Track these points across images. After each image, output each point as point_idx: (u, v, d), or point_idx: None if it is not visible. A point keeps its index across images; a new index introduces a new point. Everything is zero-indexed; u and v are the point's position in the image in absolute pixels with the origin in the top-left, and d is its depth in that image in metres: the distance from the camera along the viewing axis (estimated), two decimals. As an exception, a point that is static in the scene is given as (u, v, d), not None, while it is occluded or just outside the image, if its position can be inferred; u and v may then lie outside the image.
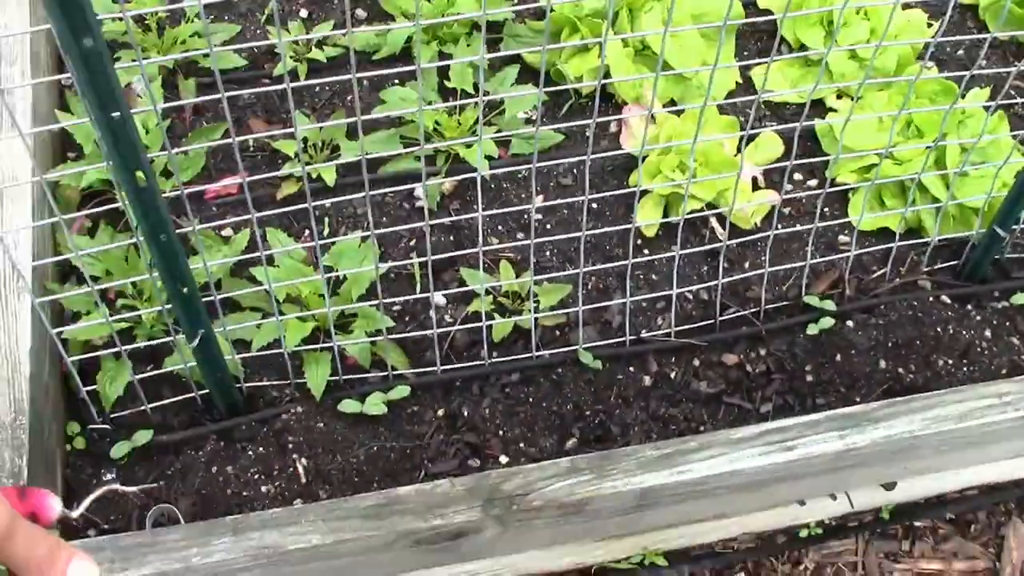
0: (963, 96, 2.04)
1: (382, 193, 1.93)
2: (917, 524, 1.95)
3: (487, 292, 1.84)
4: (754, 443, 1.64)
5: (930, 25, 2.20)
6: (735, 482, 1.64)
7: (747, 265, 1.92)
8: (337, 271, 1.81)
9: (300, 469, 1.69)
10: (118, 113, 1.21)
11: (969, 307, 1.92)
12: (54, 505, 1.00)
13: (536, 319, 1.81)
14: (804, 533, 1.92)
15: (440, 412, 1.77)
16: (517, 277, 1.86)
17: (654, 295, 1.86)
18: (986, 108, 2.01)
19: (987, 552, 1.94)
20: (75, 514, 1.03)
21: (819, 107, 2.11)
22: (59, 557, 0.86)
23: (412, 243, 1.92)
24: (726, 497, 1.69)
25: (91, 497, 1.11)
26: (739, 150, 1.96)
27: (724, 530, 1.90)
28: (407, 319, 1.85)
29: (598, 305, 1.85)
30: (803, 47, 2.14)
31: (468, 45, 2.02)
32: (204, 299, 1.52)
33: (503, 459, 1.75)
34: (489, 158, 1.96)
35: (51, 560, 0.85)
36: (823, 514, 1.91)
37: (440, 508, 1.55)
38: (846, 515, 1.94)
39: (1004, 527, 1.96)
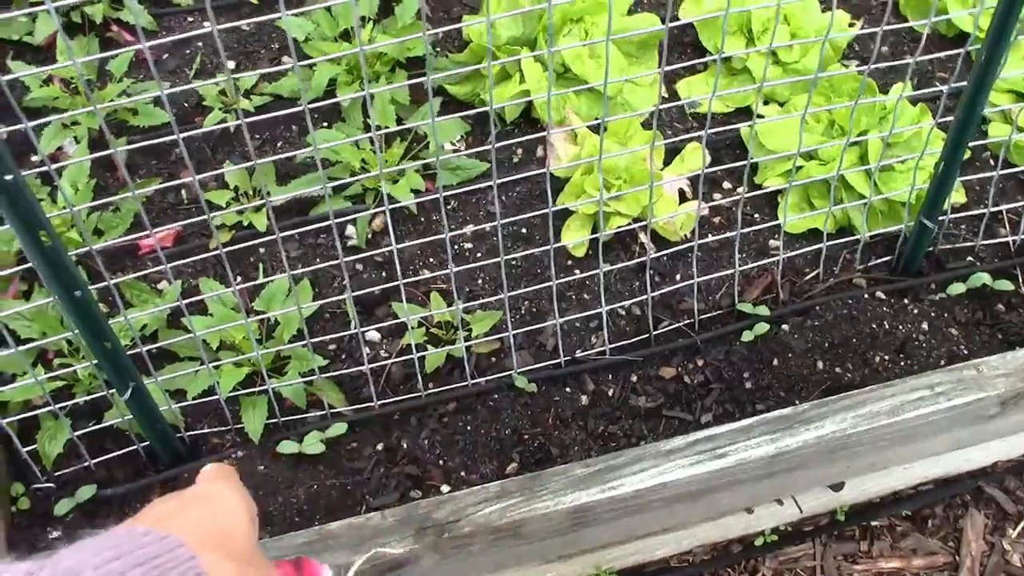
0: (887, 91, 2.06)
1: (315, 233, 1.96)
2: (874, 523, 1.94)
3: (420, 324, 1.85)
4: (685, 453, 1.64)
5: (852, 24, 2.21)
6: (669, 494, 1.64)
7: (678, 277, 1.92)
8: (268, 315, 1.82)
9: (240, 514, 1.70)
10: (11, 176, 1.23)
11: (906, 301, 1.91)
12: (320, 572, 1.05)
13: (470, 347, 1.82)
14: (759, 541, 1.92)
15: (379, 447, 1.78)
16: (450, 307, 1.87)
17: (586, 314, 1.87)
18: (913, 102, 2.02)
19: (946, 546, 1.92)
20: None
21: (746, 115, 2.12)
22: None
23: (345, 281, 1.93)
24: (664, 510, 1.69)
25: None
26: (666, 164, 1.97)
27: (677, 544, 1.90)
28: (343, 357, 1.87)
29: (530, 328, 1.86)
30: (726, 58, 2.15)
31: (389, 82, 2.04)
32: (133, 352, 1.54)
33: (444, 488, 1.75)
34: (416, 191, 1.97)
35: None
36: (774, 520, 1.90)
37: (373, 540, 1.56)
38: (801, 520, 1.93)
39: (961, 520, 1.95)
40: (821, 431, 1.66)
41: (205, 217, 1.45)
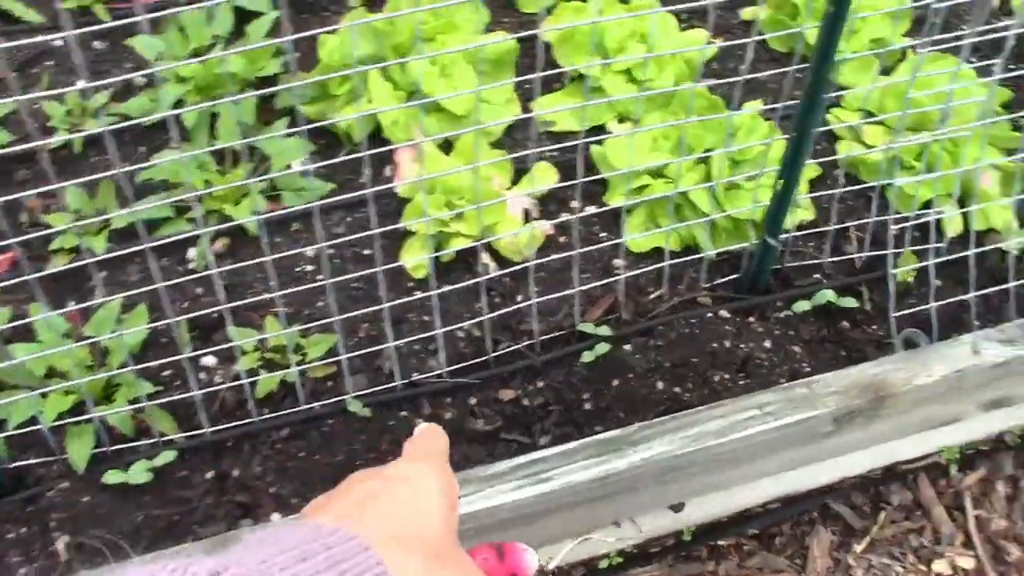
0: (739, 108, 2.05)
1: (156, 256, 1.92)
2: (721, 543, 1.93)
3: (255, 348, 1.83)
4: (508, 478, 1.62)
5: (711, 42, 2.21)
6: (495, 519, 1.62)
7: (519, 298, 1.91)
8: (97, 339, 1.79)
9: (60, 547, 1.66)
10: None
11: (751, 319, 1.91)
12: (531, 562, 1.00)
13: (304, 371, 1.80)
14: (604, 564, 1.89)
15: (210, 475, 1.75)
16: (293, 327, 1.85)
17: (423, 336, 1.85)
18: (768, 119, 2.02)
19: (792, 564, 1.91)
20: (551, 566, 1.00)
21: (601, 133, 2.11)
22: None
23: (185, 305, 1.91)
24: (497, 534, 1.66)
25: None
26: (513, 183, 1.96)
27: (520, 568, 1.87)
28: (177, 383, 1.83)
29: (366, 352, 1.83)
30: (581, 76, 2.14)
31: (235, 104, 2.01)
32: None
33: (275, 516, 1.72)
34: (258, 213, 1.95)
35: None
36: (617, 543, 1.88)
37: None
38: (647, 541, 1.91)
39: (808, 537, 1.94)
40: (649, 452, 1.64)
41: (42, 237, 1.41)
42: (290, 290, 1.81)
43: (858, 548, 1.93)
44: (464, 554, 0.85)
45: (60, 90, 1.59)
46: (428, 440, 0.99)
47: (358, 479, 0.88)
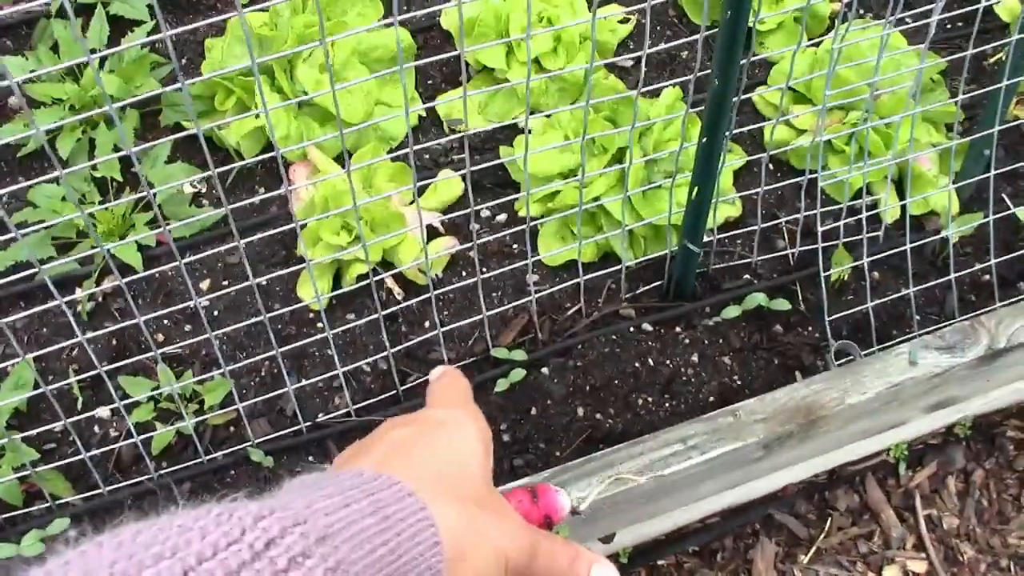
0: (656, 95, 1.90)
1: (41, 298, 1.80)
2: (660, 563, 1.84)
3: (149, 399, 1.71)
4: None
5: (626, 20, 2.05)
6: None
7: (427, 324, 1.78)
8: (-24, 405, 1.67)
9: (-51, 633, 1.57)
10: None
11: (678, 330, 1.79)
12: (564, 503, 1.00)
13: (204, 420, 1.69)
14: (536, 594, 1.81)
15: (107, 539, 1.64)
16: (190, 372, 1.73)
17: (327, 376, 1.73)
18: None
19: (735, 581, 1.83)
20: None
21: (512, 130, 1.97)
22: (580, 567, 0.83)
23: (74, 353, 1.79)
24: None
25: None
26: (414, 198, 1.82)
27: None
28: (70, 440, 1.72)
29: (267, 396, 1.72)
30: (486, 68, 1.99)
31: (111, 127, 1.87)
32: None
33: (180, 579, 1.62)
34: (148, 247, 1.82)
35: (573, 571, 0.83)
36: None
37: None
38: (580, 567, 1.82)
39: (751, 550, 1.85)
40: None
41: None
42: (186, 341, 1.69)
43: (804, 559, 1.85)
44: (501, 498, 0.86)
45: None
46: (450, 385, 0.98)
47: (391, 426, 0.86)
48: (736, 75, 1.46)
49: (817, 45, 2.00)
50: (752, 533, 1.86)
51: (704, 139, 1.56)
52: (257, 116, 1.85)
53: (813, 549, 1.85)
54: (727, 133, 1.54)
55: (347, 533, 0.65)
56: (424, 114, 1.99)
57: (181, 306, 1.74)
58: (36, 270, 1.81)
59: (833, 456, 1.85)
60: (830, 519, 1.88)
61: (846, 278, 1.81)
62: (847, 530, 1.87)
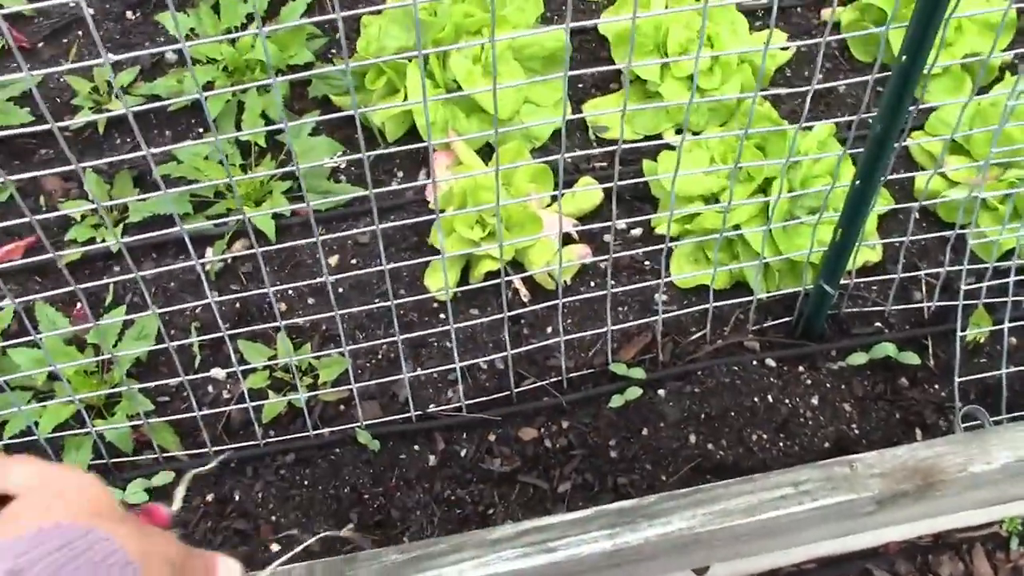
0: (810, 129, 1.86)
1: (172, 253, 1.84)
2: (750, 603, 1.80)
3: (265, 367, 1.73)
4: (512, 544, 1.50)
5: (785, 48, 2.01)
6: (491, 587, 1.51)
7: (549, 330, 1.77)
8: (104, 349, 1.70)
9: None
10: None
11: (800, 369, 1.75)
12: (165, 511, 1.00)
13: (315, 395, 1.70)
14: (622, 616, 1.79)
15: (209, 497, 1.67)
16: (308, 345, 1.74)
17: (441, 368, 1.73)
18: (842, 141, 1.83)
19: (824, 633, 1.78)
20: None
21: (657, 141, 1.94)
22: (213, 565, 0.89)
23: (198, 311, 1.81)
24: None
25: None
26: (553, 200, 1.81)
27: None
28: (184, 396, 1.75)
29: (381, 380, 1.72)
30: (639, 79, 1.96)
31: (261, 93, 1.88)
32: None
33: (274, 547, 1.64)
34: (282, 216, 1.83)
35: (209, 569, 0.88)
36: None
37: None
38: (669, 597, 1.80)
39: (846, 605, 1.80)
40: (667, 528, 1.51)
41: (56, 225, 1.31)
42: (310, 302, 1.70)
43: (899, 620, 1.79)
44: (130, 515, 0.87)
45: (86, 62, 1.42)
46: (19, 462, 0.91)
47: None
48: (902, 121, 1.41)
49: (981, 93, 1.93)
50: (848, 586, 1.82)
51: (858, 181, 1.52)
52: (405, 98, 1.85)
53: (910, 611, 1.80)
54: (882, 178, 1.50)
55: (40, 565, 0.67)
56: (571, 115, 1.97)
57: (308, 283, 1.75)
58: (175, 227, 1.84)
59: (942, 520, 1.80)
60: (931, 584, 1.82)
61: (982, 340, 1.75)
62: (948, 598, 1.81)
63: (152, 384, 1.70)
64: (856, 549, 1.82)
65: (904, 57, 1.33)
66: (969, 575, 1.83)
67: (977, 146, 1.86)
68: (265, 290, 1.46)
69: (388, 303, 1.50)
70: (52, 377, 1.71)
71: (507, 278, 1.78)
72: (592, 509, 1.54)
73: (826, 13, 2.10)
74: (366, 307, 1.65)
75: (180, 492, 1.10)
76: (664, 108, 1.93)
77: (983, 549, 1.84)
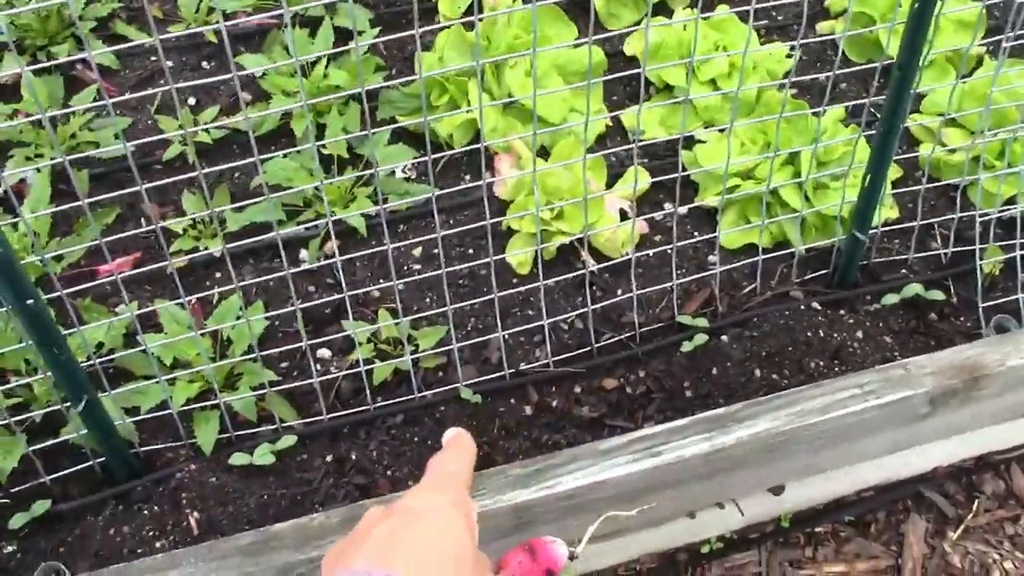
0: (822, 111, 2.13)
1: (269, 258, 2.03)
2: (818, 530, 1.98)
3: (368, 340, 1.91)
4: (622, 452, 1.68)
5: (789, 56, 2.30)
6: (607, 493, 1.68)
7: (619, 292, 1.98)
8: (220, 327, 1.88)
9: (192, 522, 1.74)
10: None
11: (841, 312, 1.97)
12: (562, 551, 1.07)
13: (417, 360, 1.88)
14: (705, 549, 1.95)
15: (328, 458, 1.82)
16: (396, 322, 1.94)
17: (529, 326, 1.92)
18: (847, 125, 2.10)
19: (888, 550, 1.96)
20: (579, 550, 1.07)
21: (689, 141, 2.20)
22: None
23: (299, 301, 1.99)
24: (604, 511, 1.72)
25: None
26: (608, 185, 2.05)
27: (624, 552, 1.93)
28: (295, 373, 1.92)
29: (475, 342, 1.91)
30: (668, 86, 2.23)
31: (341, 114, 2.12)
32: (89, 369, 1.59)
33: (392, 496, 1.79)
34: (367, 216, 2.05)
35: None
36: (718, 527, 1.94)
37: (317, 540, 1.60)
38: (745, 527, 1.97)
39: (903, 524, 1.98)
40: (755, 428, 1.70)
41: (159, 242, 1.50)
42: (405, 279, 1.90)
43: (953, 535, 1.98)
44: (488, 564, 0.91)
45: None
46: (452, 458, 1.04)
47: (372, 522, 0.91)
48: (911, 85, 1.69)
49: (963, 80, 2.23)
50: (903, 509, 2.00)
51: (881, 128, 1.78)
52: (468, 111, 2.10)
53: (962, 527, 1.99)
54: (901, 124, 1.76)
55: None
56: (610, 123, 2.23)
57: (400, 279, 1.95)
58: (272, 233, 2.04)
59: (984, 439, 2.00)
60: (977, 501, 2.02)
61: (997, 272, 1.99)
62: (994, 512, 2.01)
63: (265, 361, 1.87)
64: (909, 476, 2.02)
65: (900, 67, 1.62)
66: (1010, 490, 2.03)
67: (968, 121, 2.15)
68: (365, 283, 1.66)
69: (482, 263, 1.71)
70: (175, 364, 1.87)
71: (577, 250, 2.00)
72: (688, 419, 1.73)
73: (824, 25, 2.42)
74: (461, 266, 1.85)
75: (589, 531, 1.12)
76: (693, 109, 2.19)
77: (1020, 467, 2.04)
